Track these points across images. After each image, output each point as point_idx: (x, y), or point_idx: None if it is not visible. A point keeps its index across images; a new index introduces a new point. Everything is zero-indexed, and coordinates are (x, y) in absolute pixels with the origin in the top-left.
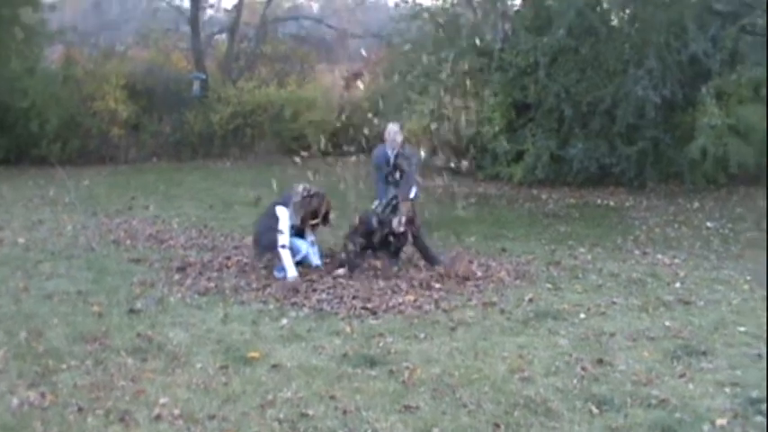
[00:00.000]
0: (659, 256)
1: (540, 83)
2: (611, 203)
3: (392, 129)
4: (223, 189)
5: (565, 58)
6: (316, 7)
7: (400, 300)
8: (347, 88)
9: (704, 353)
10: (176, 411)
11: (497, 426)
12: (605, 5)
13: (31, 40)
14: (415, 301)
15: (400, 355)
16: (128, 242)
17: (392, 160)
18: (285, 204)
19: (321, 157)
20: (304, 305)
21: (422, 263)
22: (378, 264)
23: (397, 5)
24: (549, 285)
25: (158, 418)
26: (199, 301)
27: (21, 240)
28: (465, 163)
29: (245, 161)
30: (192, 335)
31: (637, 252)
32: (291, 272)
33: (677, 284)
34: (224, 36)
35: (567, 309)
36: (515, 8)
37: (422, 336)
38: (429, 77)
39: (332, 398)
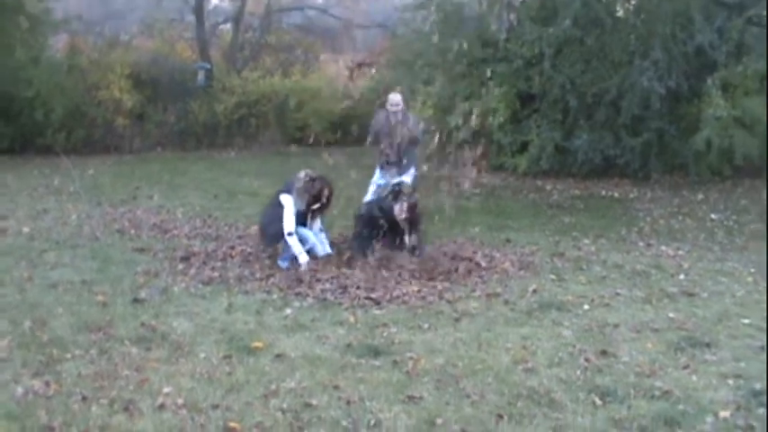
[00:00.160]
0: (663, 248)
1: (546, 74)
2: (616, 195)
3: (394, 97)
4: (227, 179)
5: (570, 49)
6: None
7: (404, 290)
8: (351, 78)
9: (708, 344)
10: (180, 401)
11: (501, 416)
12: None
13: (36, 30)
14: (418, 291)
15: (404, 346)
16: (132, 231)
17: (394, 125)
18: (288, 192)
19: (324, 147)
20: (308, 295)
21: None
22: (382, 253)
23: None
24: (553, 276)
25: (162, 407)
26: (203, 290)
27: (25, 230)
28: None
29: (250, 151)
30: (195, 324)
31: (641, 243)
32: (303, 257)
33: (681, 276)
34: (229, 26)
35: (571, 300)
36: None
37: (426, 326)
38: (434, 67)
39: (335, 388)
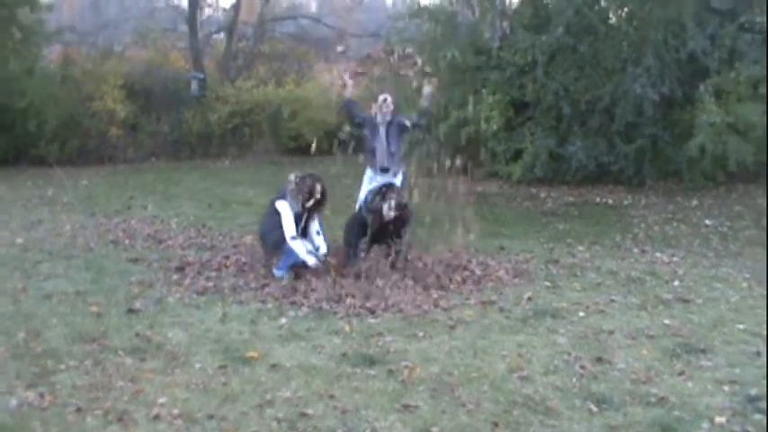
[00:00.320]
0: (658, 254)
1: (539, 81)
2: (610, 201)
3: (383, 97)
4: (222, 188)
5: (563, 57)
6: (314, 6)
7: (399, 298)
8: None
9: (703, 351)
10: (175, 411)
11: (496, 424)
12: (603, 4)
13: (29, 41)
14: (413, 299)
15: (399, 354)
16: (126, 242)
17: (384, 128)
18: (283, 198)
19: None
20: (303, 304)
21: (418, 261)
22: (371, 260)
23: (394, 4)
24: (547, 284)
25: (157, 417)
26: (197, 300)
27: (19, 240)
28: (463, 161)
29: (244, 160)
30: (190, 334)
31: (635, 250)
32: (310, 259)
33: (676, 282)
34: (222, 35)
35: (566, 307)
36: (514, 6)
37: (421, 335)
38: (427, 76)
39: (331, 397)
